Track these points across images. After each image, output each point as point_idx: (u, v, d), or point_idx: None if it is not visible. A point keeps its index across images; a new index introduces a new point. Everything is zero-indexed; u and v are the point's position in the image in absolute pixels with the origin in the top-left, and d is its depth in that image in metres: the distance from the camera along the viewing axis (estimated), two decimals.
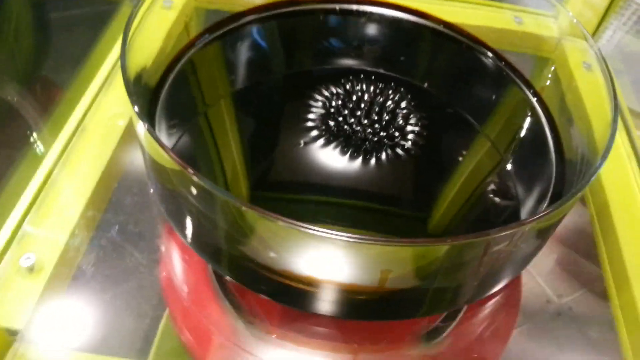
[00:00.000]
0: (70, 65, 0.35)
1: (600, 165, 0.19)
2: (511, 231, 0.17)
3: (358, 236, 0.16)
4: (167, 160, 0.18)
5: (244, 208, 0.17)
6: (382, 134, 0.26)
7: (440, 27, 0.32)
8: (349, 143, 0.26)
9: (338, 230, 0.16)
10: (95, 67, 0.35)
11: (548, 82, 0.31)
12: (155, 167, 0.21)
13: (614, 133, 0.20)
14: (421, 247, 0.17)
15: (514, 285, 0.26)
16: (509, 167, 0.26)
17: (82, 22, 0.40)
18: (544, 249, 0.23)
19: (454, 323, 0.24)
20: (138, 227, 0.27)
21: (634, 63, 0.42)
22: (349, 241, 0.16)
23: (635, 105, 0.37)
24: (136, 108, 0.20)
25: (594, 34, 0.42)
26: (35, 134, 0.32)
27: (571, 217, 0.30)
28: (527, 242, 0.20)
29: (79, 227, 0.26)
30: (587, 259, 0.28)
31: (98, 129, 0.31)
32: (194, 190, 0.19)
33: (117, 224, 0.27)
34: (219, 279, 0.25)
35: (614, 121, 0.21)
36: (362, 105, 0.27)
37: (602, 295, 0.27)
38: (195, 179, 0.17)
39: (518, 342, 0.25)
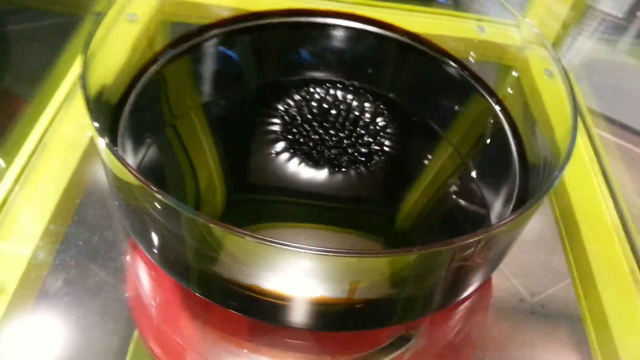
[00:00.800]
0: (32, 78, 0.35)
1: (563, 168, 0.20)
2: (477, 238, 0.17)
3: (324, 249, 0.16)
4: (129, 177, 0.18)
5: (208, 224, 0.17)
6: (348, 142, 0.26)
7: (404, 38, 0.33)
8: (316, 151, 0.26)
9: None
10: (57, 80, 0.34)
11: (511, 90, 0.31)
12: (117, 183, 0.21)
13: (574, 139, 0.21)
14: (388, 258, 0.17)
15: (484, 288, 0.26)
16: (474, 172, 0.26)
17: (44, 34, 0.39)
18: (515, 248, 0.23)
19: (426, 328, 0.24)
20: (103, 244, 0.26)
21: (595, 67, 0.43)
22: (315, 254, 0.16)
23: (596, 106, 0.38)
24: (96, 124, 0.19)
25: (555, 41, 0.43)
26: None
27: (539, 215, 0.30)
28: (494, 247, 0.20)
29: (42, 246, 0.26)
30: (558, 256, 0.29)
31: (60, 143, 0.30)
32: (156, 206, 0.18)
33: (81, 241, 0.26)
34: (188, 294, 0.24)
35: (574, 127, 0.21)
36: (329, 115, 0.27)
37: (573, 292, 0.27)
38: (156, 195, 0.17)
39: (493, 342, 0.25)
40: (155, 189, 0.17)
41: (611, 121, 0.40)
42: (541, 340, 0.25)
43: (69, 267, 0.25)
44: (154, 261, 0.22)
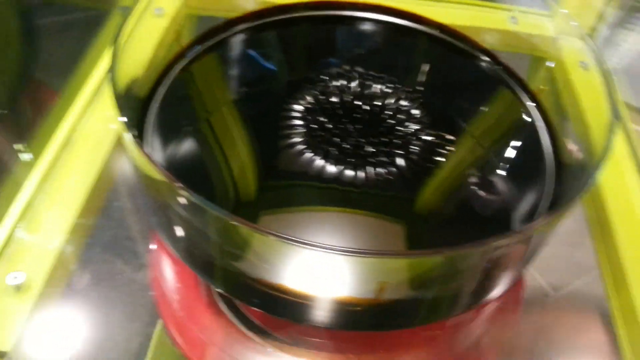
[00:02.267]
0: (61, 72, 0.35)
1: (599, 167, 0.19)
2: (511, 239, 0.17)
3: (350, 249, 0.16)
4: (154, 172, 0.18)
5: (233, 222, 0.17)
6: (378, 140, 0.26)
7: (436, 32, 0.32)
8: (342, 146, 0.25)
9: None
10: (85, 74, 0.34)
11: (545, 83, 0.30)
12: (142, 179, 0.21)
13: (611, 136, 0.20)
14: (419, 258, 0.16)
15: (515, 289, 0.26)
16: (505, 169, 0.26)
17: (72, 28, 0.40)
18: None
19: (455, 325, 0.24)
20: (130, 241, 0.26)
21: (632, 60, 0.41)
22: (341, 254, 0.16)
23: (632, 100, 0.37)
24: (123, 118, 0.19)
25: (591, 33, 0.42)
26: (24, 143, 0.31)
27: None
28: (526, 248, 0.19)
29: (69, 243, 0.26)
30: (580, 249, 0.28)
31: (89, 137, 0.30)
32: (181, 203, 0.18)
33: (108, 237, 0.26)
34: (212, 290, 0.24)
35: (612, 125, 0.20)
36: (357, 109, 0.27)
37: (597, 286, 0.27)
38: (180, 191, 0.17)
39: (517, 338, 0.24)
40: (179, 185, 0.17)
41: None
42: (566, 335, 0.25)
43: (95, 263, 0.25)
44: (178, 257, 0.22)
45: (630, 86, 0.38)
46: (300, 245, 0.16)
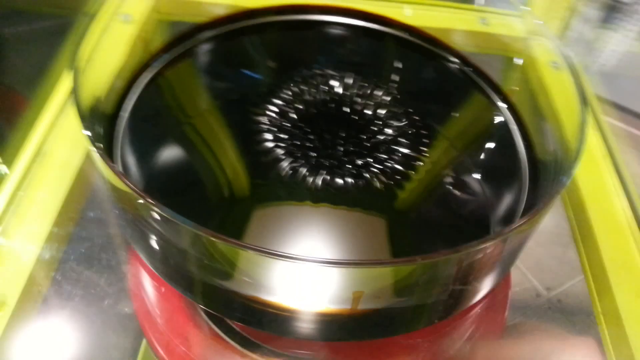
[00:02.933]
0: (29, 83, 0.34)
1: (574, 167, 0.19)
2: (490, 242, 0.17)
3: (326, 259, 0.15)
4: (121, 185, 0.17)
5: (204, 235, 0.16)
6: (349, 145, 0.25)
7: (406, 35, 0.32)
8: (315, 151, 0.25)
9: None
10: (56, 81, 0.33)
11: (517, 84, 0.31)
12: (112, 192, 0.20)
13: (584, 136, 0.20)
14: (395, 267, 0.16)
15: (500, 290, 0.26)
16: (480, 172, 0.26)
17: (39, 37, 0.39)
18: (531, 242, 0.23)
19: (440, 331, 0.23)
20: (105, 255, 0.26)
21: (602, 54, 0.42)
22: (317, 265, 0.16)
23: (604, 93, 0.38)
24: (88, 133, 0.19)
25: (563, 30, 0.42)
26: None
27: (552, 209, 0.30)
28: (506, 251, 0.19)
29: (43, 257, 0.25)
30: (573, 249, 0.28)
31: (62, 146, 0.29)
32: (152, 217, 0.18)
33: (83, 249, 0.26)
34: (192, 303, 0.24)
35: (583, 123, 0.21)
36: (327, 115, 0.27)
37: (582, 279, 0.27)
38: (149, 205, 0.17)
39: (509, 338, 0.24)
40: (147, 198, 0.16)
41: (620, 108, 0.39)
42: (557, 336, 0.25)
43: (70, 277, 0.25)
44: (154, 270, 0.22)
45: (617, 86, 0.39)
46: (273, 256, 0.16)
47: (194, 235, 0.17)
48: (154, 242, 0.20)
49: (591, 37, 0.42)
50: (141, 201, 0.17)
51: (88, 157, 0.29)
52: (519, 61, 0.31)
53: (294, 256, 0.15)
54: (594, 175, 0.31)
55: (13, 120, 0.32)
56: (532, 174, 0.25)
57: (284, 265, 0.16)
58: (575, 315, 0.26)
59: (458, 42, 0.32)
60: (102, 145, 0.23)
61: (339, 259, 0.15)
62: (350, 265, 0.16)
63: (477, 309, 0.25)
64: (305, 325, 0.20)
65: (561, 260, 0.28)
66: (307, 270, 0.16)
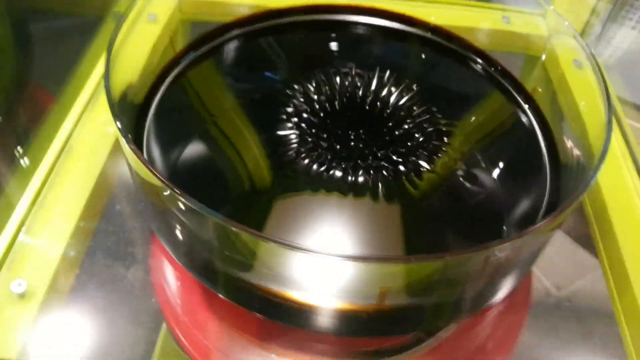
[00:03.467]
0: (57, 79, 0.35)
1: (598, 168, 0.19)
2: (512, 242, 0.17)
3: (351, 255, 0.15)
4: (152, 178, 0.18)
5: (230, 226, 0.17)
6: (376, 143, 0.25)
7: (428, 34, 0.32)
8: (343, 148, 0.25)
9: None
10: (81, 81, 0.34)
11: (539, 83, 0.30)
12: (141, 184, 0.21)
13: (609, 136, 0.20)
14: (421, 264, 0.16)
15: (522, 290, 0.26)
16: (503, 172, 0.26)
17: (67, 35, 0.39)
18: None
19: (460, 329, 0.24)
20: (131, 246, 0.26)
21: (626, 55, 0.42)
22: (342, 260, 0.16)
23: (625, 94, 0.37)
24: (119, 124, 0.19)
25: (584, 30, 0.42)
26: (22, 150, 0.31)
27: None
28: (529, 250, 0.20)
29: (71, 248, 0.26)
30: (583, 247, 0.28)
31: (87, 143, 0.30)
32: (178, 208, 0.18)
33: (109, 243, 0.26)
34: (214, 295, 0.24)
35: (609, 124, 0.21)
36: (354, 113, 0.27)
37: (601, 284, 0.27)
38: (177, 196, 0.17)
39: (522, 339, 0.24)
40: (175, 189, 0.17)
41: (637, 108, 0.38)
42: (570, 335, 0.25)
43: (97, 268, 0.25)
44: (178, 262, 0.22)
45: (623, 81, 0.38)
46: (299, 250, 0.16)
47: (219, 227, 0.18)
48: (177, 233, 0.21)
49: (601, 31, 0.42)
50: (167, 191, 0.18)
51: (113, 154, 0.30)
52: (542, 65, 0.31)
53: (317, 250, 0.16)
54: (614, 175, 0.31)
55: (40, 117, 0.33)
56: (554, 173, 0.25)
57: (307, 258, 0.17)
58: (588, 313, 0.26)
59: (481, 41, 0.32)
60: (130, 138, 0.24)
61: (364, 255, 0.15)
62: (376, 260, 0.16)
63: (498, 308, 0.25)
64: (326, 320, 0.20)
65: (573, 258, 0.28)
66: (331, 264, 0.16)
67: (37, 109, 0.35)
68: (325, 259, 0.16)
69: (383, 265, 0.16)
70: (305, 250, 0.16)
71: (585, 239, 0.29)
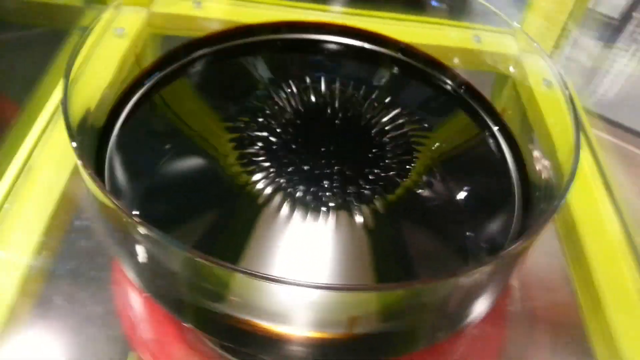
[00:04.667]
0: (24, 87, 0.34)
1: (565, 192, 0.19)
2: (483, 267, 0.16)
3: (319, 284, 0.15)
4: (107, 202, 0.17)
5: (192, 256, 0.16)
6: (341, 167, 0.25)
7: (399, 54, 0.32)
8: (312, 169, 0.25)
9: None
10: (48, 91, 0.33)
11: (509, 102, 0.31)
12: (99, 208, 0.20)
13: (577, 158, 0.20)
14: (387, 292, 0.16)
15: (496, 310, 0.25)
16: (472, 194, 0.25)
17: (33, 44, 0.38)
18: None
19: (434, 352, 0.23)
20: (94, 271, 0.25)
21: (592, 69, 0.42)
22: (310, 288, 0.15)
23: (594, 107, 0.38)
24: (74, 144, 0.19)
25: (555, 46, 0.43)
26: None
27: None
28: (500, 273, 0.19)
29: (29, 278, 0.24)
30: (556, 258, 0.28)
31: (49, 160, 0.29)
32: (138, 237, 0.18)
33: (70, 270, 0.25)
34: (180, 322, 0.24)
35: (577, 146, 0.21)
36: (319, 134, 0.27)
37: (574, 300, 0.27)
38: (139, 226, 0.16)
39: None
40: (133, 216, 0.16)
41: (609, 122, 0.39)
42: (543, 351, 0.25)
43: (58, 297, 0.24)
44: (140, 288, 0.21)
45: (591, 94, 0.39)
46: (264, 280, 0.15)
47: (183, 257, 0.17)
48: (140, 261, 0.20)
49: (589, 62, 0.42)
50: (127, 220, 0.17)
51: (75, 173, 0.29)
52: (511, 74, 0.31)
53: (283, 280, 0.15)
54: (584, 194, 0.31)
55: (4, 125, 0.32)
56: (524, 194, 0.25)
57: (274, 288, 0.16)
58: (559, 328, 0.26)
59: (452, 59, 0.33)
60: (88, 158, 0.23)
61: (333, 284, 0.15)
62: (345, 289, 0.16)
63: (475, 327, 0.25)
64: (295, 348, 0.19)
65: (545, 270, 0.28)
66: (299, 293, 0.16)
67: (2, 115, 0.33)
68: (293, 289, 0.16)
69: (352, 294, 0.16)
70: (270, 279, 0.15)
71: (555, 250, 0.29)
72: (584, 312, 0.26)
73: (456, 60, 0.33)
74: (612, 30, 0.44)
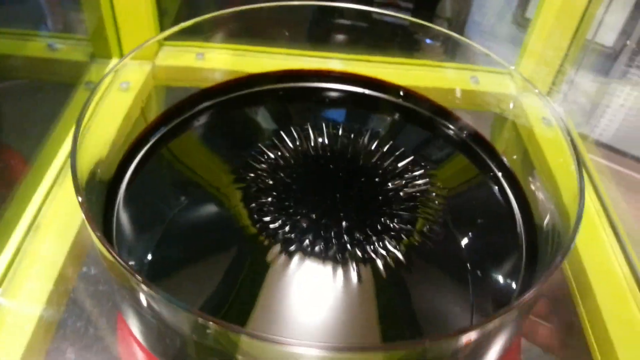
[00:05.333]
0: (31, 140, 0.34)
1: (574, 236, 0.19)
2: (493, 321, 0.16)
3: (329, 344, 0.15)
4: (114, 263, 0.17)
5: (198, 318, 0.16)
6: (344, 220, 0.25)
7: (400, 100, 0.32)
8: (316, 220, 0.25)
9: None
10: (56, 146, 0.33)
11: (510, 142, 0.31)
12: (110, 272, 0.20)
13: (582, 203, 0.20)
14: (407, 349, 0.16)
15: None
16: (478, 242, 0.25)
17: (38, 92, 0.39)
18: None
19: None
20: (100, 331, 0.25)
21: (592, 97, 0.42)
22: (318, 349, 0.15)
23: (593, 135, 0.38)
24: (80, 198, 0.19)
25: (555, 81, 0.43)
26: None
27: None
28: (510, 324, 0.19)
29: (36, 337, 0.24)
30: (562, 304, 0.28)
31: (56, 218, 0.29)
32: (147, 299, 0.18)
33: (78, 328, 0.25)
34: None
35: (581, 192, 0.21)
36: (325, 178, 0.27)
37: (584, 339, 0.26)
38: (147, 289, 0.16)
39: None
40: (143, 283, 0.16)
41: (612, 150, 0.39)
42: None
43: (65, 353, 0.24)
44: (146, 348, 0.21)
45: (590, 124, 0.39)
46: (271, 342, 0.15)
47: (188, 318, 0.17)
48: (145, 318, 0.20)
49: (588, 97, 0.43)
50: (136, 283, 0.17)
51: (83, 229, 0.29)
52: (510, 113, 0.32)
53: (291, 341, 0.15)
54: (590, 234, 0.31)
55: (13, 180, 0.32)
56: (530, 238, 0.25)
57: (282, 349, 0.16)
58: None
59: (450, 101, 0.33)
60: (95, 213, 0.23)
61: (341, 344, 0.15)
62: (354, 350, 0.15)
63: None
64: None
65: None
66: (310, 354, 0.16)
67: (11, 170, 0.34)
68: (302, 350, 0.15)
69: (361, 354, 0.16)
70: (278, 342, 0.15)
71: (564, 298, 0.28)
72: (595, 351, 0.26)
73: (455, 102, 0.34)
74: (606, 56, 0.44)
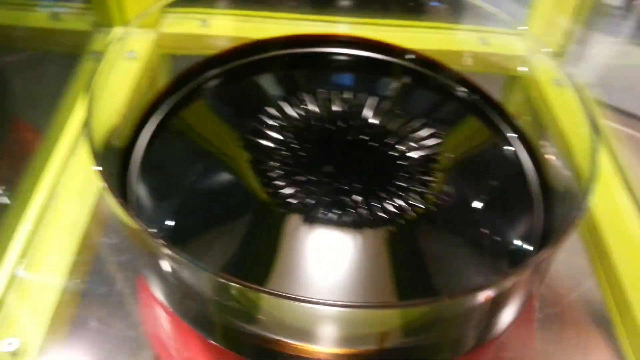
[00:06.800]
0: (41, 111, 0.34)
1: (587, 194, 0.19)
2: (512, 278, 0.17)
3: (346, 302, 0.15)
4: (134, 226, 0.18)
5: (220, 279, 0.16)
6: (360, 179, 0.25)
7: (408, 63, 0.32)
8: (326, 183, 0.25)
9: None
10: (65, 117, 0.33)
11: (521, 103, 0.31)
12: (130, 237, 0.20)
13: (596, 156, 0.20)
14: (419, 307, 0.16)
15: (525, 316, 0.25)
16: (494, 205, 0.25)
17: (44, 64, 0.39)
18: None
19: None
20: (123, 297, 0.26)
21: (603, 61, 0.42)
22: (337, 308, 0.16)
23: (608, 99, 0.37)
24: (98, 167, 0.19)
25: (565, 43, 0.42)
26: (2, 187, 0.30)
27: None
28: (527, 281, 0.19)
29: (62, 304, 0.25)
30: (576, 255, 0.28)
31: (73, 187, 0.29)
32: (164, 259, 0.18)
33: (101, 296, 0.26)
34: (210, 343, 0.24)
35: (595, 143, 0.21)
36: (338, 146, 0.27)
37: (597, 297, 0.27)
38: (161, 248, 0.17)
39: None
40: (160, 241, 0.16)
41: (618, 111, 0.39)
42: (573, 352, 0.25)
43: (90, 323, 0.24)
44: (170, 309, 0.22)
45: (604, 86, 0.38)
46: (294, 300, 0.16)
47: (209, 278, 0.17)
48: (168, 281, 0.20)
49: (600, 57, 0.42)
50: (157, 246, 0.17)
51: (101, 198, 0.29)
52: (520, 75, 0.31)
53: (312, 300, 0.15)
54: (606, 198, 0.30)
55: (26, 152, 0.32)
56: (546, 199, 0.25)
57: (302, 307, 0.16)
58: (584, 326, 0.26)
59: (459, 63, 0.33)
60: (112, 183, 0.23)
61: (361, 302, 0.15)
62: (376, 307, 0.16)
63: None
64: None
65: (568, 265, 0.28)
66: (328, 312, 0.16)
67: (22, 145, 0.34)
68: (322, 309, 0.16)
69: (381, 312, 0.16)
70: (300, 300, 0.16)
71: (580, 246, 0.28)
72: (611, 312, 0.26)
73: (464, 64, 0.33)
74: (615, 18, 0.43)
